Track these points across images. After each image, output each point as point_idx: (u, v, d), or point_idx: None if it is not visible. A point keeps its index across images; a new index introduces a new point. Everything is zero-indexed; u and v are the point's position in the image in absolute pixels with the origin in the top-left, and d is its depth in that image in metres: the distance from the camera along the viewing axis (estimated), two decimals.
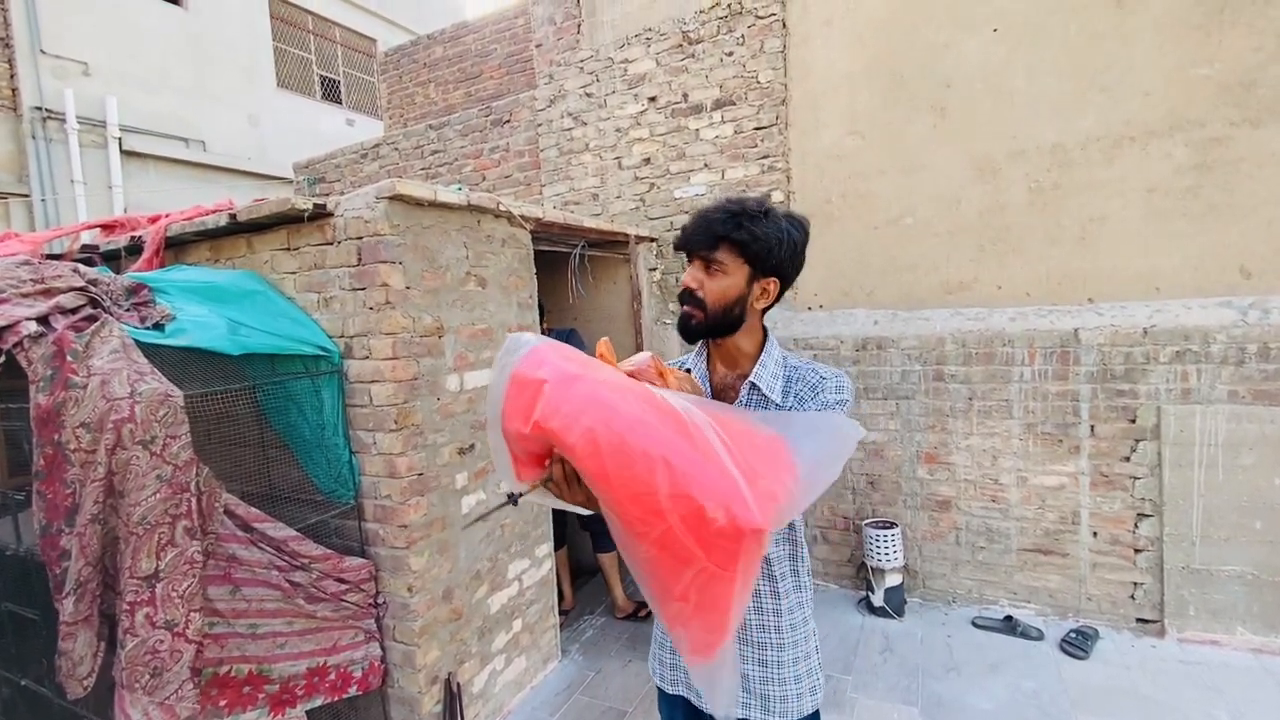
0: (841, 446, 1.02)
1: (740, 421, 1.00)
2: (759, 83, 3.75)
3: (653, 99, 4.09)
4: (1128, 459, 3.06)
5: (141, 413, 1.61)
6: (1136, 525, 3.07)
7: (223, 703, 1.86)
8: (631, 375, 1.09)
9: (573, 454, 0.95)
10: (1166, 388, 2.97)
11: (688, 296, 1.22)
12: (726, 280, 1.19)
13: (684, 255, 1.26)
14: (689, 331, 1.24)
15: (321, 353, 2.22)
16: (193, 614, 1.68)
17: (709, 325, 1.22)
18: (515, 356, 1.01)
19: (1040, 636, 3.07)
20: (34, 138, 7.05)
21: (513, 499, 1.07)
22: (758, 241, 1.16)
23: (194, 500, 1.71)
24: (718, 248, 1.18)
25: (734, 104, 3.83)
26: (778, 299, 1.25)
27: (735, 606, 0.93)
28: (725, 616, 0.93)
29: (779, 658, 1.26)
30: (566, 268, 3.72)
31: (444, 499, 2.43)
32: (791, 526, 1.25)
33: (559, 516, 3.14)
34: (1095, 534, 3.14)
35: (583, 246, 3.58)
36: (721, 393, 1.30)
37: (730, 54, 3.82)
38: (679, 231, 1.24)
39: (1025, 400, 3.23)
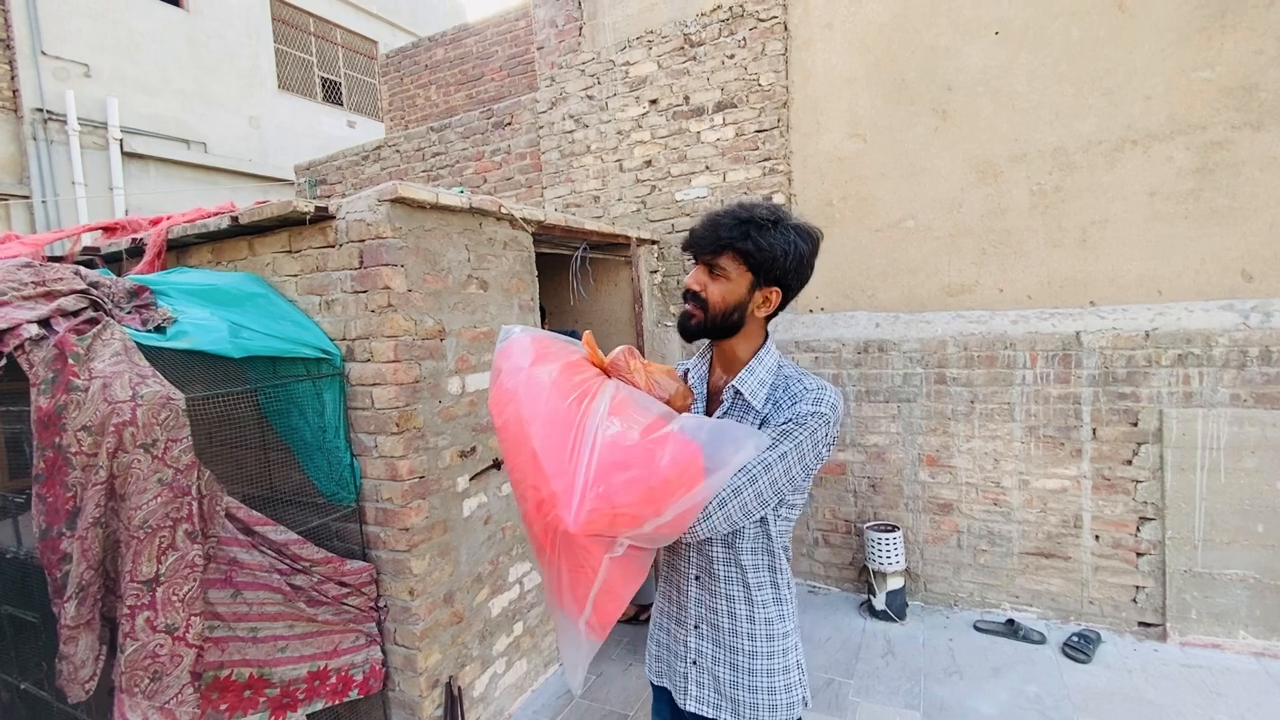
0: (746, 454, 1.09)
1: (641, 430, 1.06)
2: (760, 85, 3.75)
3: (654, 101, 4.09)
4: (1130, 462, 3.06)
5: (143, 416, 1.60)
6: (1138, 529, 3.06)
7: (223, 706, 1.86)
8: (609, 367, 1.21)
9: (498, 436, 1.13)
10: (1168, 391, 2.96)
11: (690, 297, 1.23)
12: (728, 286, 1.20)
13: (689, 256, 1.27)
14: (687, 330, 1.25)
15: (323, 355, 2.22)
16: (193, 618, 1.68)
17: (708, 326, 1.23)
18: (500, 346, 1.20)
19: (1042, 640, 3.06)
20: (35, 139, 7.06)
21: (497, 464, 1.28)
22: (762, 252, 1.16)
23: (195, 504, 1.70)
24: (721, 254, 1.19)
25: (735, 106, 3.83)
26: (780, 308, 1.25)
27: (580, 590, 1.06)
28: (581, 598, 1.06)
29: (751, 665, 1.25)
30: (568, 270, 3.71)
31: (445, 502, 2.42)
32: (768, 537, 1.23)
33: None
34: (1097, 537, 3.14)
35: (584, 249, 3.57)
36: (715, 395, 1.33)
37: (732, 56, 3.82)
38: (688, 232, 1.26)
39: (1027, 403, 3.22)
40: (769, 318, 1.26)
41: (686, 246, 1.25)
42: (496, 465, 1.28)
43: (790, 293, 1.23)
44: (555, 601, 1.12)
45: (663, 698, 1.42)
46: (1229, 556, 2.89)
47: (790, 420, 1.16)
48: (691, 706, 1.30)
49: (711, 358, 1.36)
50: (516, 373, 1.12)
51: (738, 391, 1.24)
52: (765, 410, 1.22)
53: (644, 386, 1.18)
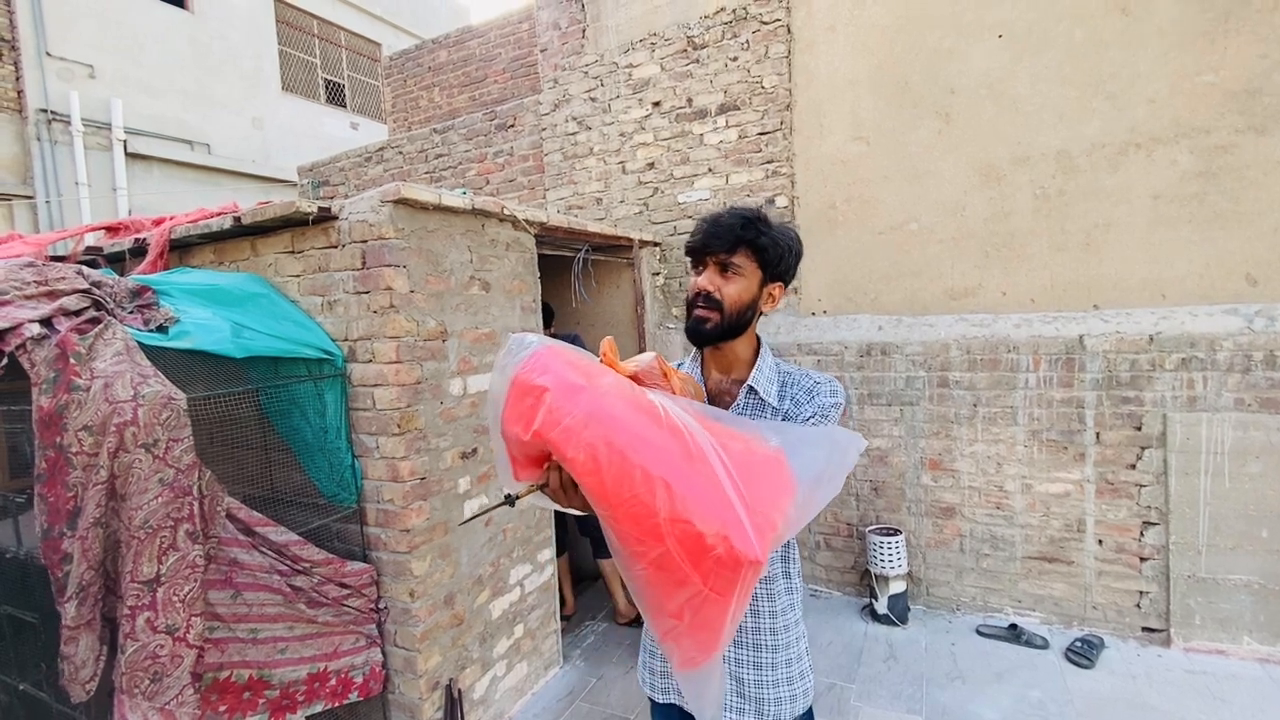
0: (843, 460, 1.02)
1: (741, 438, 0.99)
2: (763, 88, 3.75)
3: (657, 104, 4.09)
4: (1133, 467, 3.05)
5: (144, 415, 1.60)
6: (1142, 533, 3.05)
7: (223, 708, 1.85)
8: (635, 377, 1.07)
9: (573, 467, 0.94)
10: (1172, 395, 2.95)
11: (704, 300, 1.22)
12: (742, 283, 1.22)
13: (689, 260, 1.27)
14: (703, 336, 1.24)
15: (325, 356, 2.21)
16: (194, 618, 1.67)
17: (725, 328, 1.23)
18: (517, 359, 1.01)
19: (1045, 645, 3.05)
20: (39, 140, 7.08)
21: (510, 500, 1.07)
22: (775, 246, 1.20)
23: (196, 504, 1.70)
24: (736, 251, 1.20)
25: (738, 109, 3.83)
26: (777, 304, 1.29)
27: (728, 625, 0.94)
28: (718, 634, 0.94)
29: (773, 659, 1.26)
30: (570, 272, 3.71)
31: (446, 503, 2.42)
32: None
33: (560, 521, 3.13)
34: (1101, 542, 3.13)
35: (586, 251, 3.57)
36: (717, 397, 1.31)
37: (735, 59, 3.82)
38: (690, 236, 1.25)
39: (1030, 407, 3.21)
40: (763, 315, 1.30)
41: (697, 248, 1.23)
42: (510, 502, 1.10)
43: (786, 287, 1.28)
44: (685, 640, 0.96)
45: (671, 715, 1.38)
46: (1233, 562, 2.87)
47: (817, 414, 1.22)
48: None
49: (704, 360, 1.35)
50: (575, 393, 0.95)
51: (752, 389, 1.26)
52: (784, 407, 1.26)
53: (679, 394, 1.11)
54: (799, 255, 1.26)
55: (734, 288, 1.21)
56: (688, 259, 1.28)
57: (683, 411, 1.00)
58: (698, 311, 1.23)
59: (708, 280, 1.22)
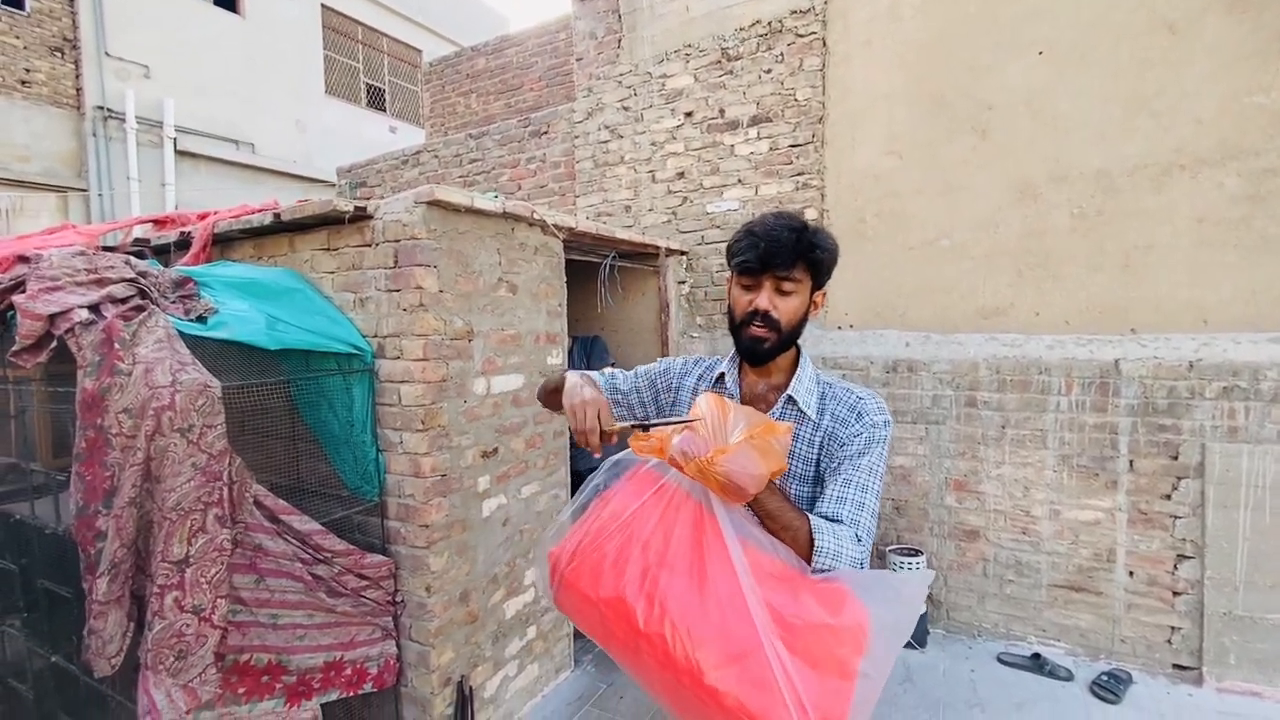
0: (914, 615, 0.95)
1: (813, 605, 0.90)
2: (796, 100, 3.75)
3: (689, 114, 4.12)
4: (1168, 497, 2.95)
5: (181, 401, 1.66)
6: (1176, 566, 2.94)
7: (241, 690, 1.89)
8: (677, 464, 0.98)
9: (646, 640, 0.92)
10: (1212, 424, 2.85)
11: (763, 319, 1.17)
12: (798, 300, 1.19)
13: (734, 271, 1.22)
14: (760, 355, 1.21)
15: (355, 351, 2.26)
16: (219, 600, 1.72)
17: (781, 345, 1.21)
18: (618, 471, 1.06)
19: (1070, 677, 2.95)
20: (94, 135, 7.40)
21: (645, 427, 1.05)
22: (828, 255, 1.17)
23: (226, 489, 1.75)
24: (795, 266, 1.16)
25: (770, 121, 3.84)
26: None
27: None
28: None
29: None
30: (596, 278, 3.74)
31: (466, 501, 2.44)
32: None
33: None
34: (1131, 573, 3.03)
35: (613, 257, 3.60)
36: (752, 402, 1.28)
37: (769, 71, 3.83)
38: (736, 248, 1.19)
39: (1061, 431, 3.13)
40: None
41: (755, 268, 1.16)
42: (645, 428, 1.03)
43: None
44: None
45: None
46: (1273, 600, 2.76)
47: (867, 436, 1.17)
48: None
49: (741, 363, 1.32)
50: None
51: (791, 399, 1.23)
52: (824, 423, 1.21)
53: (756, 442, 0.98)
54: (836, 264, 1.22)
55: (791, 305, 1.18)
56: (731, 269, 1.22)
57: (742, 563, 0.92)
58: (755, 330, 1.18)
59: (766, 300, 1.17)
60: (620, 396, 1.41)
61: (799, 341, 1.29)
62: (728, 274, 1.25)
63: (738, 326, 1.22)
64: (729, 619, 0.88)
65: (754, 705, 0.82)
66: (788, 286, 1.17)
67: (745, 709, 0.82)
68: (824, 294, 1.25)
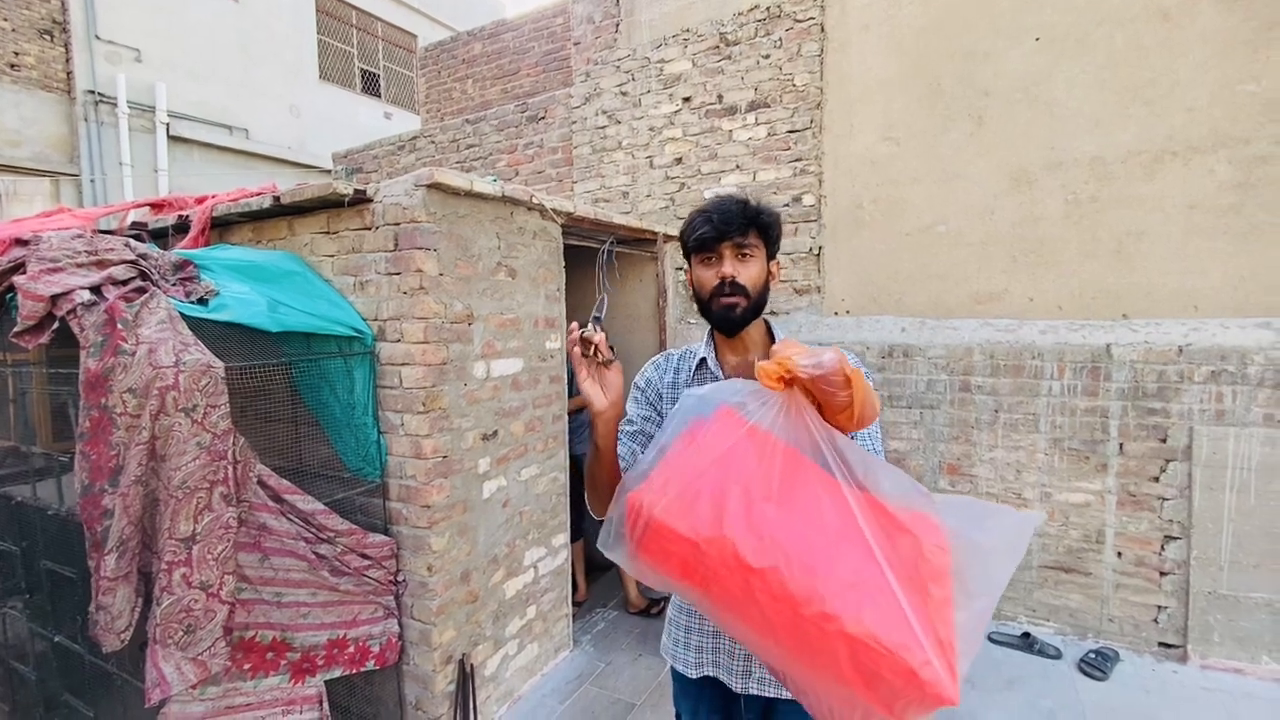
0: (1018, 539, 0.93)
1: (917, 535, 0.90)
2: (794, 86, 3.76)
3: (687, 99, 4.11)
4: (1157, 479, 3.00)
5: (185, 381, 1.67)
6: (1163, 547, 3.00)
7: (246, 666, 1.93)
8: (810, 384, 0.97)
9: (758, 576, 0.90)
10: (1200, 408, 2.90)
11: (730, 286, 1.23)
12: (757, 265, 1.26)
13: (693, 256, 1.28)
14: (734, 322, 1.25)
15: (355, 334, 2.28)
16: (226, 576, 1.74)
17: (752, 310, 1.26)
18: (690, 418, 1.06)
19: (1058, 655, 3.02)
20: (85, 120, 7.32)
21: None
22: (774, 221, 1.26)
23: (230, 468, 1.77)
24: (748, 233, 1.23)
25: (768, 106, 3.84)
26: None
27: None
28: None
29: None
30: (594, 263, 3.75)
31: (466, 482, 2.47)
32: None
33: (576, 508, 3.17)
34: (1120, 554, 3.09)
35: (611, 243, 3.61)
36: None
37: (767, 56, 3.83)
38: (689, 230, 1.25)
39: (1053, 415, 3.18)
40: None
41: (711, 237, 1.22)
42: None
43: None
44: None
45: (704, 688, 1.37)
46: (1256, 580, 2.82)
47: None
48: (755, 689, 1.28)
49: (717, 347, 1.35)
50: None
51: None
52: None
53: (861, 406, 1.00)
54: (782, 230, 1.32)
55: (752, 269, 1.25)
56: (689, 254, 1.28)
57: (856, 503, 0.92)
58: (725, 299, 1.23)
59: (730, 267, 1.23)
60: (636, 427, 1.38)
61: (774, 327, 1.36)
62: (685, 268, 1.30)
63: (707, 302, 1.27)
64: (843, 550, 0.88)
65: (879, 629, 0.82)
66: (746, 251, 1.24)
67: (872, 634, 0.82)
68: (778, 264, 1.32)
